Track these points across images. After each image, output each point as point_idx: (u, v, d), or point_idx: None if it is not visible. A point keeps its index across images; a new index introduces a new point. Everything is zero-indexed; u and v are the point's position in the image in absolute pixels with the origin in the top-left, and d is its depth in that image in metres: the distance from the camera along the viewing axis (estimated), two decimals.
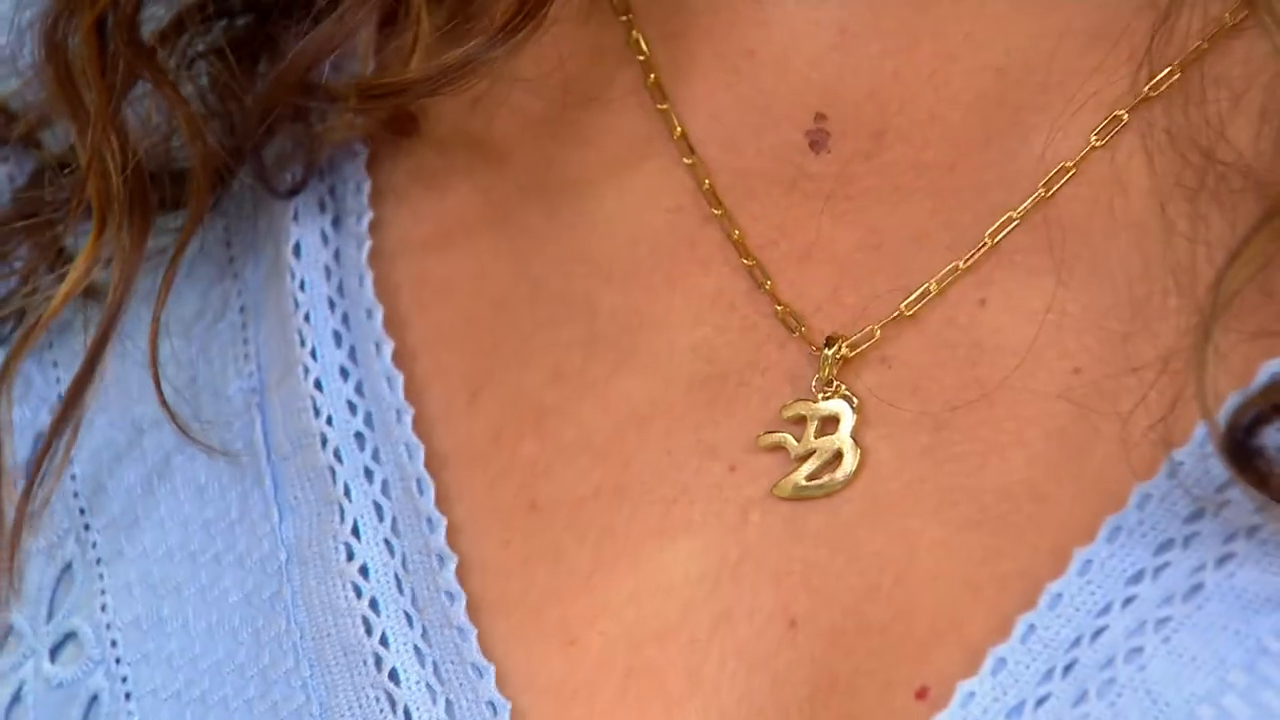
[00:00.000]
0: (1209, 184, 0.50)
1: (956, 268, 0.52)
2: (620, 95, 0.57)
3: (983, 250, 0.52)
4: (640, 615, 0.51)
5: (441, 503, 0.54)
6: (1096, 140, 0.52)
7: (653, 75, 0.57)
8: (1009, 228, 0.52)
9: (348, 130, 0.58)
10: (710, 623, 0.50)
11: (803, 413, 0.52)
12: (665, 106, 0.56)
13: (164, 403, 0.56)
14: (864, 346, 0.52)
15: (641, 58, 0.57)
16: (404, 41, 0.56)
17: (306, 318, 0.57)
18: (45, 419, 0.59)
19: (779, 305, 0.53)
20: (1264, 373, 0.48)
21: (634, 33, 0.57)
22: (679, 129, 0.56)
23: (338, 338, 0.57)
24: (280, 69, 0.56)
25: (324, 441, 0.55)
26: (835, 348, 0.52)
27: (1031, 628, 0.47)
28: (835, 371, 0.52)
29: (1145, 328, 0.50)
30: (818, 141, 0.55)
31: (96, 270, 0.58)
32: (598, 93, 0.58)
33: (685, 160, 0.56)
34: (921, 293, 0.52)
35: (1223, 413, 0.46)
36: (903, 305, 0.52)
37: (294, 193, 0.58)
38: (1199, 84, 0.51)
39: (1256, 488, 0.45)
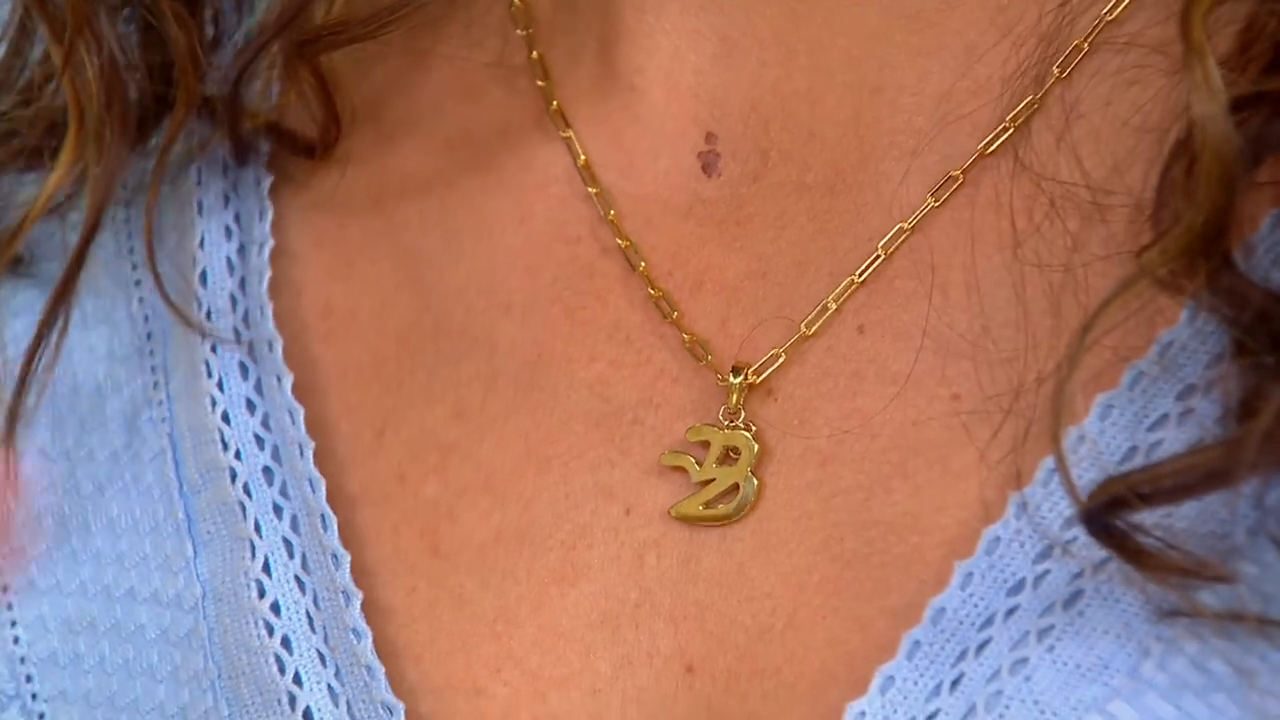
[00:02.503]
0: (1063, 207, 0.50)
1: (852, 282, 0.52)
2: (522, 119, 0.58)
3: (860, 275, 0.52)
4: (543, 662, 0.52)
5: (351, 543, 0.54)
6: (959, 169, 0.52)
7: (555, 102, 0.57)
8: (875, 260, 0.52)
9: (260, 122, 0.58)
10: (611, 669, 0.51)
11: (707, 438, 0.53)
12: (569, 134, 0.56)
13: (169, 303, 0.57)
14: (767, 373, 0.53)
15: (541, 83, 0.57)
16: None
17: (213, 348, 0.57)
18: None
19: (686, 335, 0.53)
20: (1098, 404, 0.48)
21: (534, 52, 0.58)
22: (582, 156, 0.56)
23: (244, 369, 0.57)
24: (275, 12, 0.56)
25: (233, 476, 0.55)
26: (742, 376, 0.53)
27: (917, 644, 0.48)
28: (741, 400, 0.52)
29: (1024, 349, 0.50)
30: (709, 164, 0.55)
31: (77, 171, 0.57)
32: (503, 118, 0.58)
33: (588, 188, 0.56)
34: (819, 310, 0.53)
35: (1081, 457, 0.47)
36: (803, 326, 0.52)
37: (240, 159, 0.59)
38: (1057, 109, 0.51)
39: (1133, 565, 0.46)
